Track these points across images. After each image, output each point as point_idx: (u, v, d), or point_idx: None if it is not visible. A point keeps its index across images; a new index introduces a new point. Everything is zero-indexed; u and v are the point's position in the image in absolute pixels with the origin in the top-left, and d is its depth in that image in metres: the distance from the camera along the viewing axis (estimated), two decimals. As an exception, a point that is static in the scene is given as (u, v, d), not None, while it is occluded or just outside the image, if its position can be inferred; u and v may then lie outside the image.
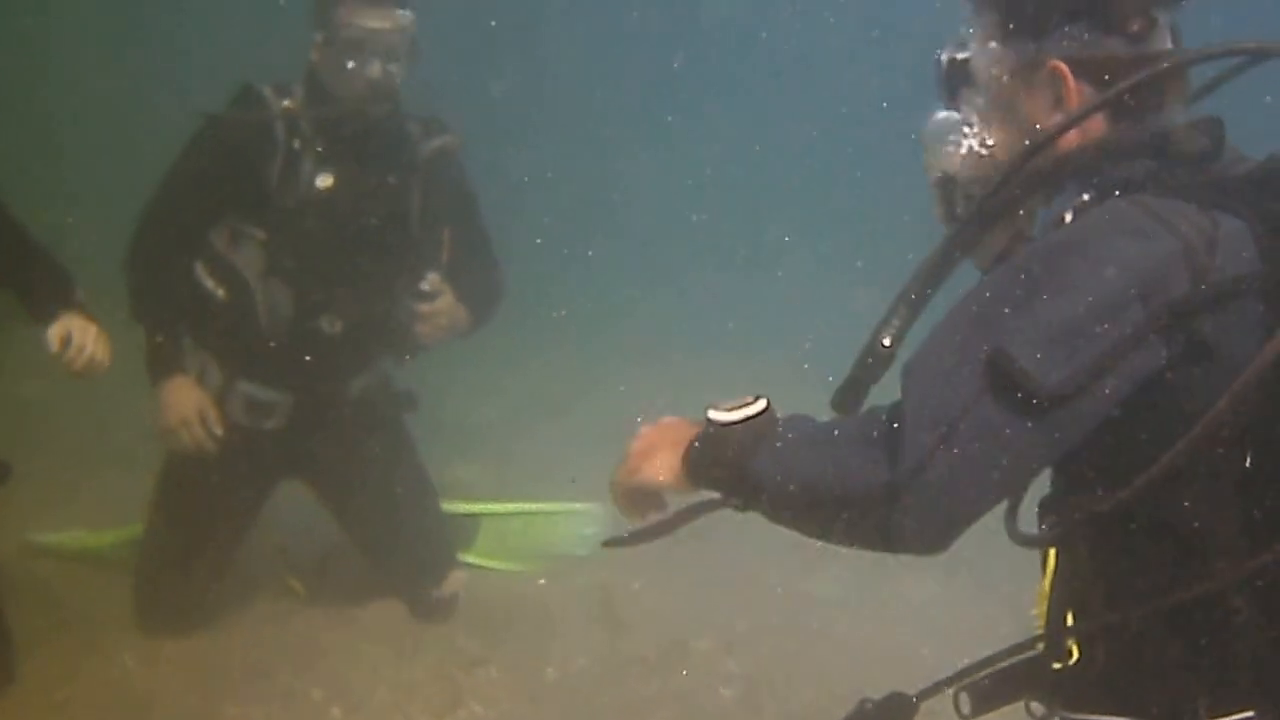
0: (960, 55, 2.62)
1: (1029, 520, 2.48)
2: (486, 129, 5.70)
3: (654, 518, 2.63)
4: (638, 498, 2.62)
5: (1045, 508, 2.44)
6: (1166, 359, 2.17)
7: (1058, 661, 2.45)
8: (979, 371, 2.16)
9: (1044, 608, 2.54)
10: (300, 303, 5.17)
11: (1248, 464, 2.20)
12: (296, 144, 5.05)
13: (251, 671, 5.22)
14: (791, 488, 2.31)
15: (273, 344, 5.20)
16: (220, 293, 5.17)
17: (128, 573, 5.57)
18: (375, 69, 4.96)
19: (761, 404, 2.44)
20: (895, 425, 2.22)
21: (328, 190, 5.10)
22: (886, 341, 2.41)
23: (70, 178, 10.05)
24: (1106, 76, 2.40)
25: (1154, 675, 2.32)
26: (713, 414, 2.45)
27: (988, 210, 2.45)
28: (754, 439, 2.38)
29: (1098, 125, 2.43)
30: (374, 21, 4.95)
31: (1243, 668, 2.24)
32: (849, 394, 2.46)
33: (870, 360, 2.42)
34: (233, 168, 5.06)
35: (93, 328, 4.45)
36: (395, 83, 5.06)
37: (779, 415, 2.45)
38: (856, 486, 2.22)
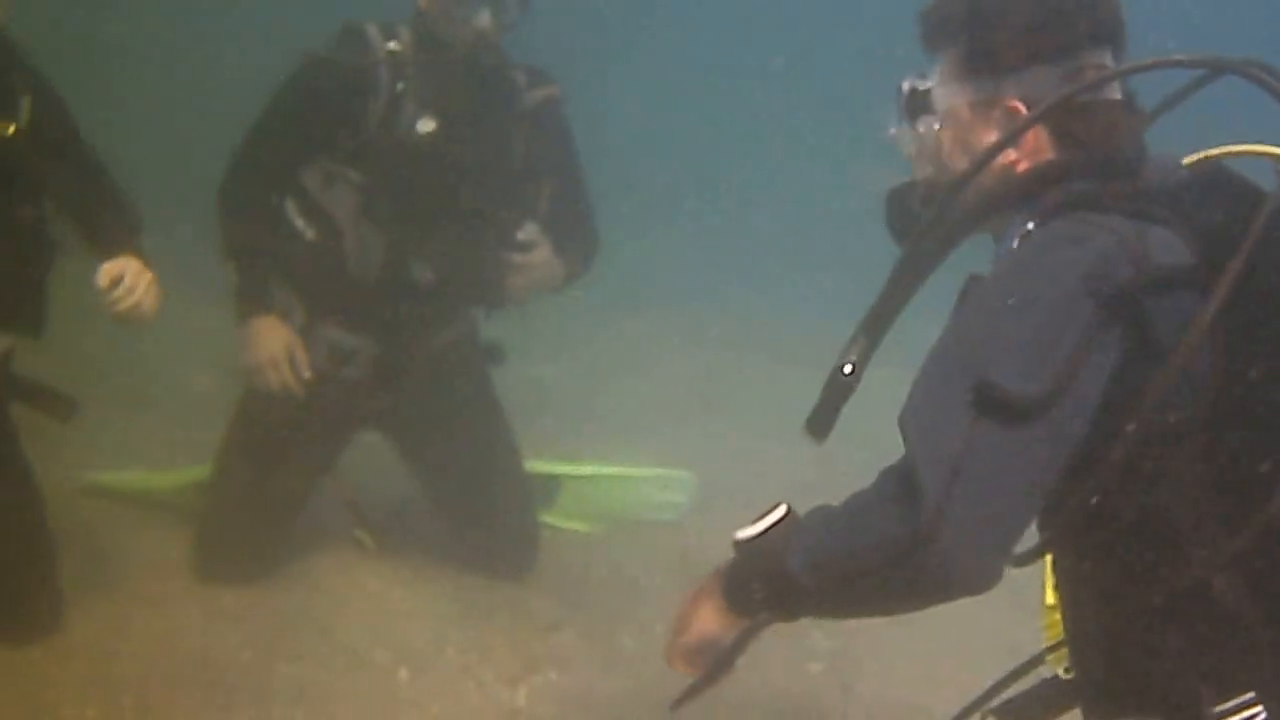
0: (922, 85, 2.78)
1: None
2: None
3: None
4: (695, 656, 2.78)
5: (1041, 525, 2.52)
6: (1123, 349, 2.32)
7: (1069, 671, 2.70)
8: (967, 404, 2.29)
9: (1050, 619, 2.80)
10: (392, 248, 4.98)
11: (1210, 449, 2.32)
12: (400, 87, 4.87)
13: (313, 628, 4.98)
14: (828, 571, 2.44)
15: (360, 289, 5.01)
16: (310, 233, 5.00)
17: (185, 518, 5.40)
18: (485, 19, 4.77)
19: (781, 510, 2.59)
20: (907, 480, 2.33)
21: (429, 135, 4.91)
22: (847, 370, 2.62)
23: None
24: (1060, 119, 2.58)
25: (1156, 672, 2.43)
26: (738, 535, 2.59)
27: (939, 234, 2.63)
28: (781, 542, 2.53)
29: (1046, 153, 2.61)
30: None
31: (1238, 652, 2.34)
32: (820, 418, 2.66)
33: (835, 387, 2.63)
34: (332, 107, 4.89)
35: (148, 275, 4.28)
36: (503, 32, 4.87)
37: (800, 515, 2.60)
38: (889, 547, 2.31)
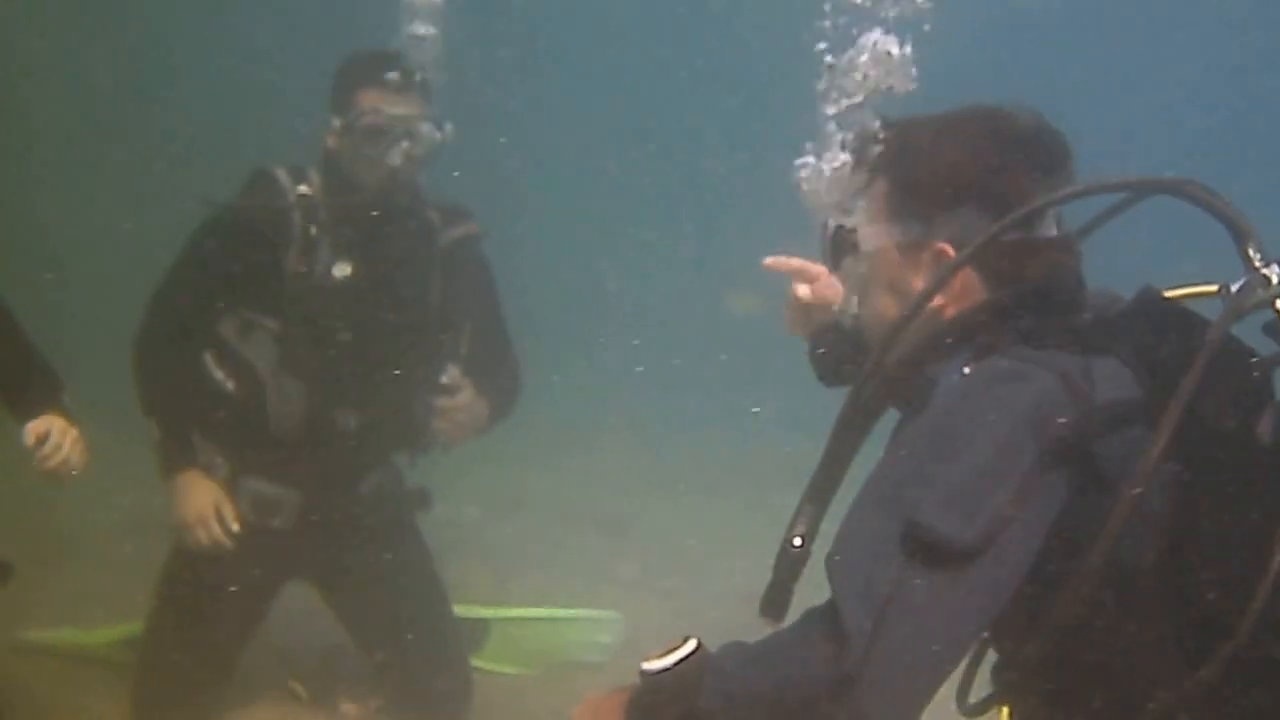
0: (848, 223, 2.70)
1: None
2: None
3: None
4: None
5: (996, 674, 2.47)
6: (1068, 491, 2.24)
7: None
8: (897, 548, 2.20)
9: None
10: (314, 397, 5.00)
11: (1167, 586, 2.23)
12: (313, 231, 4.89)
13: (254, 781, 4.99)
14: (743, 710, 2.31)
15: (283, 439, 5.03)
16: (230, 385, 5.01)
17: (122, 673, 5.40)
18: (397, 157, 4.80)
19: (692, 644, 2.43)
20: (831, 621, 2.22)
21: (346, 280, 4.94)
22: (797, 541, 2.50)
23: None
24: (990, 259, 2.50)
25: None
26: (645, 666, 2.43)
27: (875, 386, 2.52)
28: (693, 677, 2.37)
29: (977, 295, 2.52)
30: (396, 108, 4.82)
31: None
32: (774, 599, 2.54)
33: (786, 563, 2.51)
34: (246, 256, 4.89)
35: (73, 431, 4.32)
36: (416, 170, 4.92)
37: (712, 651, 2.45)
38: (808, 689, 2.21)
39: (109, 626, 5.77)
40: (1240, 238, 2.37)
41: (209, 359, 5.05)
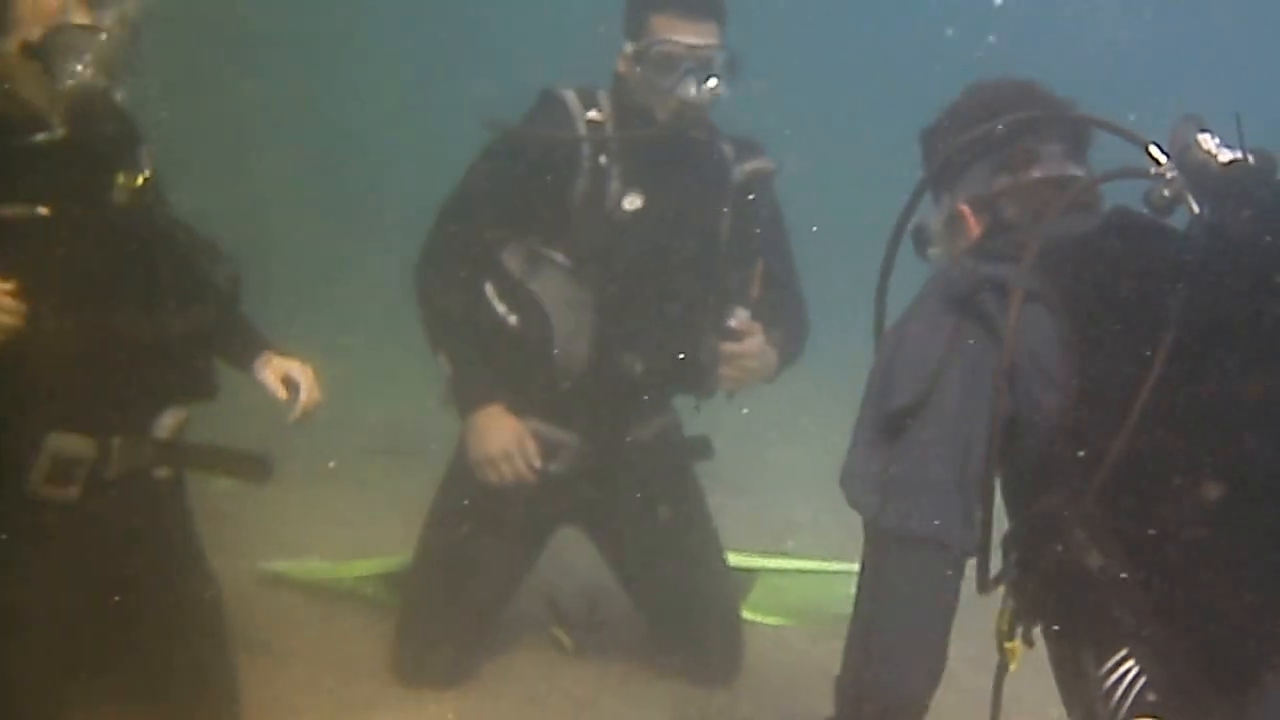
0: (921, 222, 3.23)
1: None
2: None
3: None
4: None
5: (1006, 545, 2.84)
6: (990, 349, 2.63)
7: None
8: (881, 438, 2.68)
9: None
10: (600, 335, 4.70)
11: (1071, 433, 2.60)
12: (603, 160, 4.61)
13: (528, 737, 4.80)
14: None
15: (566, 379, 4.76)
16: (513, 319, 4.73)
17: (368, 610, 5.37)
18: (691, 88, 4.50)
19: None
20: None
21: (636, 212, 4.64)
22: None
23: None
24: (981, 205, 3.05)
25: (1065, 659, 2.73)
26: None
27: None
28: None
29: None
30: (692, 37, 4.51)
31: (1110, 613, 2.53)
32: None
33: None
34: (532, 182, 4.63)
35: (308, 368, 4.15)
36: (711, 103, 4.60)
37: None
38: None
39: (360, 560, 5.62)
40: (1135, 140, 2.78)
41: (491, 290, 4.78)
